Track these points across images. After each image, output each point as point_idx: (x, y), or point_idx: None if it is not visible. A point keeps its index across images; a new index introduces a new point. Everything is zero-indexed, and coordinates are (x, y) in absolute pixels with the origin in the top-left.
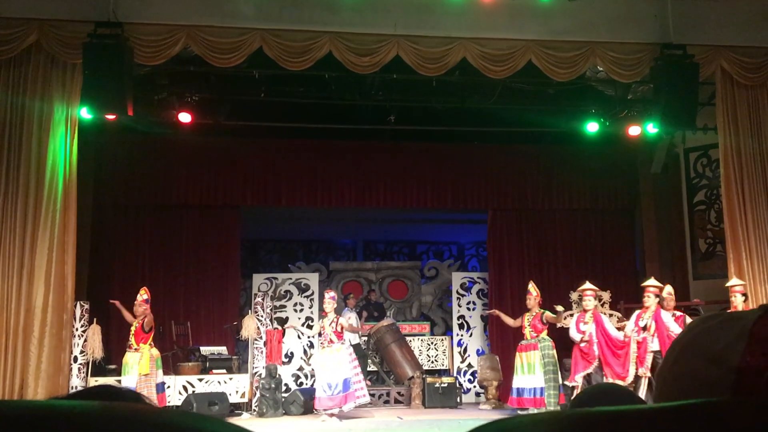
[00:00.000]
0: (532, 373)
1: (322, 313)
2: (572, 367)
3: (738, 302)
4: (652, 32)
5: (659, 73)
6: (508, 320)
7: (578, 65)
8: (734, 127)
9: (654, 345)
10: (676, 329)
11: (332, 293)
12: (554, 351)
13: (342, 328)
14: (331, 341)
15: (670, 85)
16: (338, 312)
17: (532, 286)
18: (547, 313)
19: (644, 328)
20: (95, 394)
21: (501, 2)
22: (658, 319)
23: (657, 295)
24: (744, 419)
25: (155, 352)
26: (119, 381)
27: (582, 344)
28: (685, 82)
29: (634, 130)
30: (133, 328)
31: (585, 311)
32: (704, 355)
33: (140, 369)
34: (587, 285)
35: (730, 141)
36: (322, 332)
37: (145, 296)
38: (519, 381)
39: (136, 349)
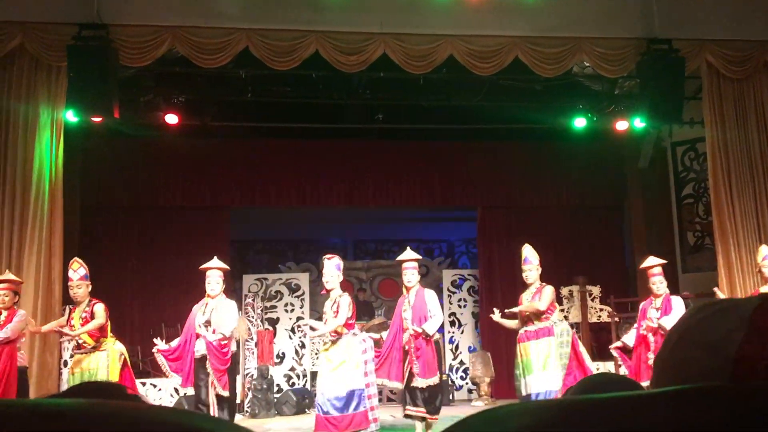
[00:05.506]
0: (544, 369)
1: (323, 292)
2: None
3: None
4: (637, 27)
5: (645, 68)
6: (511, 324)
7: (565, 61)
8: (720, 120)
9: None
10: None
11: (337, 261)
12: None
13: (338, 309)
14: (335, 332)
15: (657, 80)
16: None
17: (530, 251)
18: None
19: None
20: (83, 392)
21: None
22: None
23: None
24: (741, 403)
25: (120, 346)
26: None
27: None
28: (671, 76)
29: (621, 125)
30: (77, 322)
31: None
32: (702, 343)
33: (110, 373)
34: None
35: (717, 134)
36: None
37: (83, 271)
38: (531, 382)
39: (95, 347)
